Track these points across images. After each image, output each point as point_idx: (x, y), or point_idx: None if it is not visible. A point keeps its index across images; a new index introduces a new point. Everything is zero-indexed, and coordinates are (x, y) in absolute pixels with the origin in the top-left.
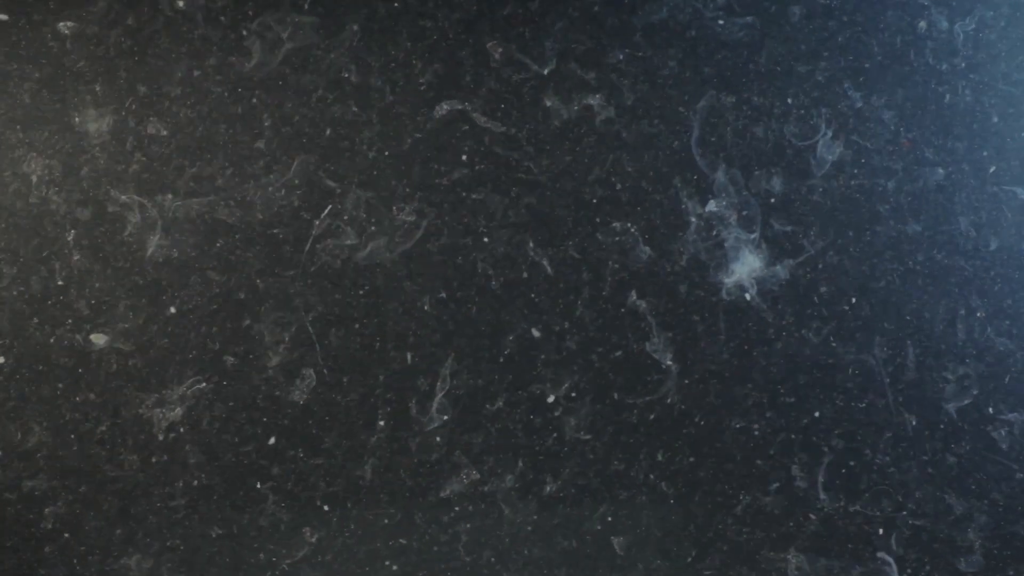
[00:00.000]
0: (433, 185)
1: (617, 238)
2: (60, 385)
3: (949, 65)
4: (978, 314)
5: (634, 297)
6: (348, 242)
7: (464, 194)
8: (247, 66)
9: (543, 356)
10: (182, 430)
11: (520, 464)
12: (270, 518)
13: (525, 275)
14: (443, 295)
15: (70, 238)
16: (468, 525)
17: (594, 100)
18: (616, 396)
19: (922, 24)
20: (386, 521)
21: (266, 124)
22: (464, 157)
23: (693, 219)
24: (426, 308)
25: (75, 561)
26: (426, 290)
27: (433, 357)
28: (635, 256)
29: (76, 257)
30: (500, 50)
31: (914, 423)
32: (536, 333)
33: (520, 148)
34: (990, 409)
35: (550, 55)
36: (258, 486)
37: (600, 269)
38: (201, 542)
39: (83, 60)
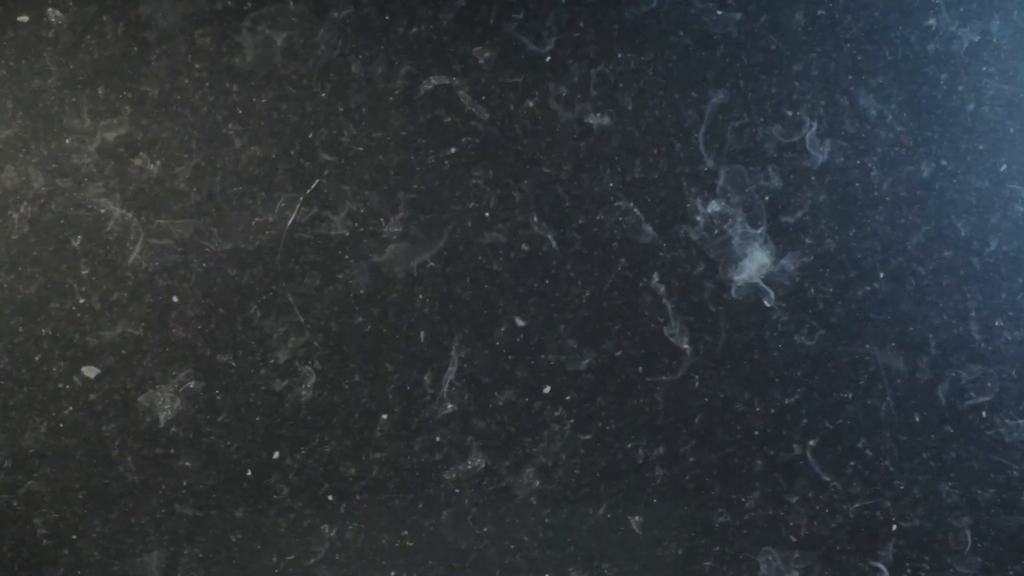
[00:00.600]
0: (430, 172)
1: (620, 218)
2: (60, 385)
3: (952, 64)
4: (997, 322)
5: (655, 279)
6: (344, 233)
7: (462, 176)
8: (243, 63)
9: (542, 345)
10: (183, 428)
11: (529, 453)
12: (284, 515)
13: (526, 248)
14: (443, 285)
15: (76, 244)
16: (477, 513)
17: (593, 118)
18: (628, 380)
19: (931, 22)
20: (403, 528)
21: (261, 122)
22: (453, 149)
23: (699, 218)
24: (422, 298)
25: (76, 562)
26: (426, 279)
27: (439, 344)
28: (639, 238)
29: (77, 260)
30: (487, 55)
31: (916, 422)
32: (520, 323)
33: (515, 138)
34: (984, 411)
35: (547, 38)
36: (269, 483)
37: (606, 253)
38: (212, 541)
39: (77, 63)
